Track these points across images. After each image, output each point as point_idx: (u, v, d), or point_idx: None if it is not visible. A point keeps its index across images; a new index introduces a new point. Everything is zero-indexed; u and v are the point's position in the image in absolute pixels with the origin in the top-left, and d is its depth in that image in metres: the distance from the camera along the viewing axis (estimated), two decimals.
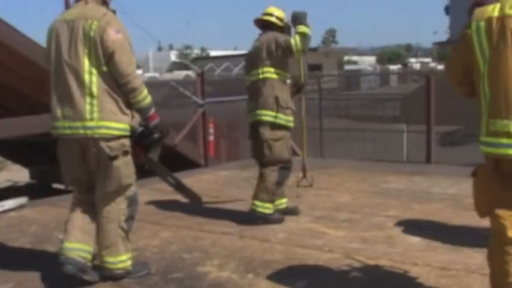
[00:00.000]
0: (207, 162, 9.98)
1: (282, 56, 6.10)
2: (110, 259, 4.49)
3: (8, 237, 5.87)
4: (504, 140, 3.31)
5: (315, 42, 71.95)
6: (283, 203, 6.45)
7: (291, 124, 6.21)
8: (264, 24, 6.33)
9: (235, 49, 73.29)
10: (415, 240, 5.41)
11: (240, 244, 5.41)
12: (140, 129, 4.52)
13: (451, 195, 7.22)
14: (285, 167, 6.22)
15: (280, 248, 5.27)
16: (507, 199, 3.36)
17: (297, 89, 6.70)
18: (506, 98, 3.29)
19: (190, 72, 38.25)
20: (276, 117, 6.05)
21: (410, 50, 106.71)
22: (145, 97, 4.44)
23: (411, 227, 5.82)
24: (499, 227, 3.37)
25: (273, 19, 6.28)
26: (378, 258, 4.90)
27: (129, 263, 4.57)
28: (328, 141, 12.94)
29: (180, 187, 5.58)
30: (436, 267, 4.63)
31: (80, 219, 4.53)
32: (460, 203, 6.77)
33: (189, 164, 9.75)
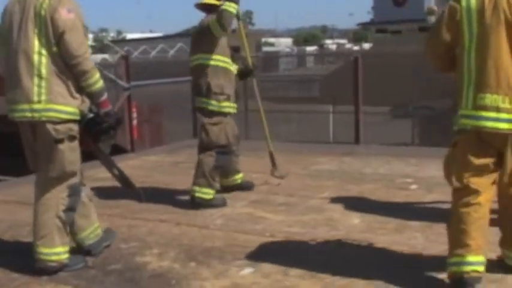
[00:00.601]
0: (133, 147, 9.69)
1: (210, 40, 5.94)
2: (44, 250, 4.28)
3: None
4: (493, 114, 3.51)
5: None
6: (238, 178, 6.48)
7: (228, 110, 6.12)
8: (205, 8, 6.14)
9: (150, 32, 72.35)
10: (356, 221, 5.36)
11: (177, 232, 5.22)
12: (90, 115, 4.34)
13: (384, 175, 7.24)
14: (223, 151, 6.14)
15: (220, 234, 5.11)
16: (483, 169, 3.64)
17: (247, 73, 6.66)
18: (497, 74, 3.49)
19: (106, 56, 37.41)
20: (208, 103, 6.00)
21: (326, 31, 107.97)
22: (96, 81, 4.28)
23: (349, 208, 5.78)
24: (470, 193, 3.66)
25: (211, 0, 6.07)
26: (322, 241, 4.82)
27: (65, 256, 4.35)
28: (253, 123, 12.86)
29: (124, 180, 5.33)
30: (380, 249, 4.58)
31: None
32: (393, 183, 6.82)
33: (114, 150, 9.43)
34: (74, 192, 4.38)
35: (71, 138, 4.24)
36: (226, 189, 6.47)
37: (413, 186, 6.63)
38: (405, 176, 7.21)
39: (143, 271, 4.33)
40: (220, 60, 6.04)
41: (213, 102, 5.99)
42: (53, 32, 4.10)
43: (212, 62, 5.98)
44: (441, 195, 6.13)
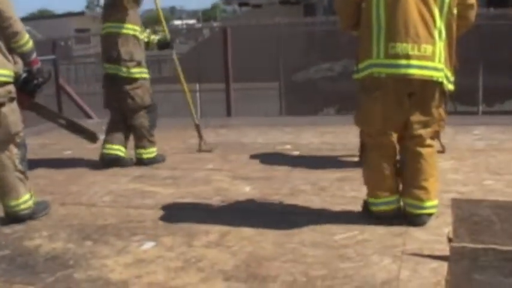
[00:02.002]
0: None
1: (121, 9, 6.13)
2: (13, 203, 4.55)
3: None
4: (403, 61, 3.74)
5: (79, 6, 69.57)
6: (153, 151, 6.58)
7: (139, 75, 6.28)
8: None
9: None
10: (247, 189, 5.28)
11: (64, 212, 4.89)
12: (24, 75, 4.59)
13: (263, 144, 7.23)
14: (151, 110, 6.45)
15: (111, 211, 4.85)
16: (397, 118, 3.92)
17: (165, 44, 6.83)
18: (405, 24, 3.73)
19: None
20: (119, 69, 6.19)
21: (174, 12, 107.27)
22: (27, 41, 4.49)
23: (237, 177, 5.70)
24: (388, 142, 3.98)
25: None
26: (218, 211, 4.71)
27: (32, 201, 4.65)
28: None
29: (73, 127, 5.64)
30: (281, 213, 4.54)
31: None
32: (274, 151, 6.81)
33: None
34: (22, 143, 4.56)
35: (11, 99, 4.35)
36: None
37: (296, 153, 6.66)
38: (284, 143, 7.24)
39: (36, 255, 4.00)
40: (130, 28, 6.19)
41: (123, 69, 6.17)
42: None
43: (123, 31, 6.15)
44: (325, 160, 6.24)
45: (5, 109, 4.29)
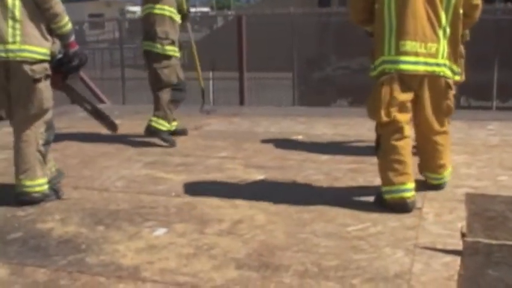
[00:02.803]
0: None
1: None
2: (28, 183, 4.62)
3: None
4: (412, 58, 4.13)
5: None
6: (173, 125, 6.96)
7: (171, 53, 6.66)
8: None
9: None
10: (260, 178, 5.28)
11: (76, 196, 4.90)
12: (60, 55, 4.74)
13: (276, 133, 7.22)
14: (177, 88, 6.74)
15: (124, 196, 4.86)
16: (405, 106, 4.23)
17: (182, 17, 6.96)
18: (414, 24, 4.09)
19: None
20: (153, 46, 6.60)
21: (188, 0, 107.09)
22: (66, 23, 4.64)
23: (250, 165, 5.69)
24: (398, 127, 4.23)
25: None
26: (232, 199, 4.68)
27: (46, 186, 4.72)
28: (131, 89, 12.58)
29: (97, 113, 5.81)
30: (294, 203, 4.51)
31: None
32: (287, 140, 6.80)
33: None
34: (50, 126, 4.74)
35: (47, 76, 4.59)
36: None
37: (308, 143, 6.64)
38: (297, 133, 7.23)
39: (48, 238, 4.01)
40: (167, 9, 6.64)
41: (158, 45, 6.57)
42: None
43: (160, 11, 6.60)
44: (339, 150, 6.23)
45: (40, 85, 4.54)
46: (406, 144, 4.26)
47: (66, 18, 4.64)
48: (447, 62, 4.23)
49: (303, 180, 5.12)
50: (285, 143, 6.64)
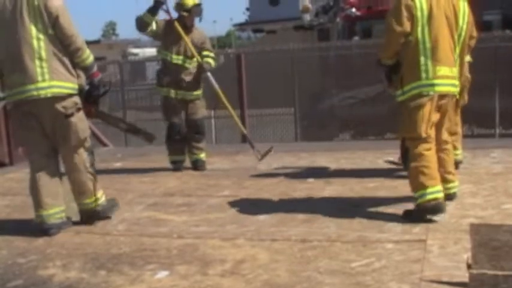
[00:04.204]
0: (12, 160, 9.07)
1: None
2: (87, 201, 5.12)
3: None
4: (445, 81, 4.78)
5: (95, 35, 69.97)
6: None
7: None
8: None
9: None
10: (262, 217, 5.21)
11: (78, 241, 4.86)
12: (87, 87, 5.07)
13: (278, 171, 7.17)
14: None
15: (125, 240, 4.81)
16: (434, 123, 4.84)
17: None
18: (445, 52, 4.74)
19: None
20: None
21: None
22: (88, 55, 4.96)
23: (252, 204, 5.65)
24: (428, 141, 4.81)
25: None
26: (234, 238, 4.64)
27: (103, 198, 5.25)
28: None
29: (133, 130, 6.35)
30: (297, 241, 4.47)
31: (47, 186, 4.96)
32: (289, 177, 6.75)
33: None
34: (91, 150, 5.19)
35: (78, 110, 4.93)
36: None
37: (311, 179, 6.59)
38: (300, 169, 7.19)
39: (50, 284, 3.97)
40: (166, 54, 7.42)
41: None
42: (48, 17, 4.71)
43: (160, 56, 7.75)
44: (340, 186, 6.17)
45: (73, 118, 4.90)
46: (433, 154, 4.82)
47: (88, 51, 4.95)
48: (458, 84, 4.96)
49: (306, 217, 5.07)
50: (287, 180, 6.61)
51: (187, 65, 7.37)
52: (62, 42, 4.81)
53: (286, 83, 11.73)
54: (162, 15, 7.28)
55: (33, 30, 4.71)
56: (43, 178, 4.96)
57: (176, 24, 7.25)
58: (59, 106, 4.80)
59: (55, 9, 4.75)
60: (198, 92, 7.53)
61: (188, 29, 7.35)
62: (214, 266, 4.09)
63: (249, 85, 9.99)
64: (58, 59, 4.80)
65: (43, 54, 4.73)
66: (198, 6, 7.32)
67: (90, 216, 5.18)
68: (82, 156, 5.05)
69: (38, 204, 4.95)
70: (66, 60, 4.85)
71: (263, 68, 11.70)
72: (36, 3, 4.72)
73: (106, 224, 5.26)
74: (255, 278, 3.84)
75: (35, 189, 4.97)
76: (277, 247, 4.37)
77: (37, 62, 4.73)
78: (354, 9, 12.95)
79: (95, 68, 5.09)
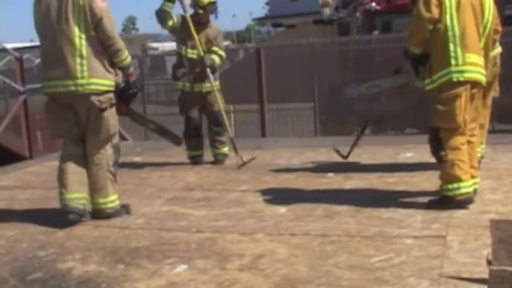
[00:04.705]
0: (31, 153, 9.14)
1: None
2: (101, 200, 5.18)
3: None
4: (475, 68, 4.85)
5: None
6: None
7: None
8: None
9: (31, 41, 69.63)
10: (281, 211, 5.21)
11: (97, 234, 4.89)
12: (122, 85, 5.27)
13: (298, 166, 7.16)
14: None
15: (144, 233, 4.83)
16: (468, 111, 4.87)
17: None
18: (473, 40, 4.83)
19: None
20: None
21: None
22: (127, 56, 5.21)
23: (271, 199, 5.63)
24: (464, 133, 4.87)
25: None
26: (253, 233, 4.64)
27: (117, 202, 5.28)
28: None
29: (161, 131, 6.46)
30: (316, 235, 4.46)
31: (74, 172, 5.12)
32: (308, 172, 6.73)
33: (12, 157, 8.89)
34: (117, 148, 5.31)
35: (111, 105, 5.15)
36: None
37: (330, 174, 6.57)
38: (320, 164, 7.17)
39: (68, 277, 3.99)
40: (181, 49, 7.47)
41: None
42: (91, 18, 4.91)
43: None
44: (360, 180, 6.14)
45: (106, 113, 5.10)
46: (467, 148, 4.89)
47: (126, 53, 5.18)
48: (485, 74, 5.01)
49: (325, 212, 5.06)
50: (306, 175, 6.59)
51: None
52: (102, 43, 5.01)
53: (305, 78, 11.69)
54: (177, 9, 7.34)
55: (76, 29, 4.91)
56: (72, 166, 5.12)
57: (188, 19, 7.29)
58: (94, 99, 5.01)
59: (99, 10, 4.94)
60: (214, 85, 7.49)
61: (203, 25, 7.42)
62: (233, 260, 4.09)
63: (269, 80, 9.96)
64: (97, 58, 5.00)
65: (84, 52, 4.93)
66: (213, 4, 7.39)
67: (99, 217, 5.20)
68: (107, 152, 5.18)
69: (62, 186, 5.09)
70: (105, 59, 5.05)
71: (283, 62, 11.65)
72: (81, 2, 4.90)
73: (125, 218, 5.28)
74: (273, 272, 3.83)
75: (62, 174, 5.12)
76: (296, 242, 4.36)
77: (78, 60, 4.93)
78: (373, 4, 12.84)
79: (132, 68, 5.33)
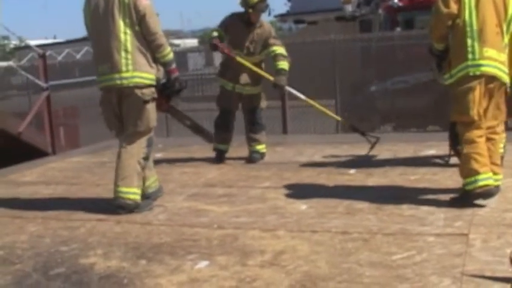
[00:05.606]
0: (54, 149, 9.22)
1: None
2: (124, 189, 5.25)
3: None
4: (493, 63, 4.83)
5: None
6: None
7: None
8: None
9: (54, 38, 70.11)
10: (303, 208, 5.21)
11: (119, 230, 4.92)
12: (163, 80, 5.44)
13: (319, 162, 7.14)
14: None
15: (166, 229, 4.85)
16: (486, 106, 4.87)
17: None
18: (491, 35, 4.82)
19: (11, 63, 36.07)
20: None
21: None
22: (169, 52, 5.40)
23: (293, 196, 5.63)
24: (481, 127, 4.85)
25: None
26: (274, 229, 4.64)
27: (139, 197, 5.33)
28: (175, 121, 12.61)
29: (196, 128, 6.64)
30: (337, 233, 4.45)
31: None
32: (330, 168, 6.72)
33: (35, 153, 8.97)
34: (151, 143, 5.46)
35: (153, 99, 5.34)
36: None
37: (352, 171, 6.55)
38: (341, 161, 7.15)
39: (91, 273, 4.02)
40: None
41: None
42: (136, 15, 5.18)
43: None
44: (382, 178, 6.12)
45: (148, 106, 5.30)
46: (484, 142, 4.87)
47: (168, 49, 5.39)
48: (507, 70, 4.95)
49: (347, 209, 5.05)
50: (328, 172, 6.57)
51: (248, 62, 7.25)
52: (146, 38, 5.23)
53: (327, 75, 11.63)
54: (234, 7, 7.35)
55: (122, 25, 5.18)
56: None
57: (239, 59, 7.18)
58: (138, 92, 5.23)
59: (143, 7, 5.19)
60: (257, 89, 7.43)
61: (252, 25, 7.23)
62: (254, 256, 4.10)
63: (290, 76, 9.91)
64: (141, 52, 5.23)
65: (129, 47, 5.19)
66: (263, 2, 7.13)
67: (119, 206, 5.28)
68: (141, 145, 5.33)
69: (115, 179, 5.32)
70: (148, 54, 5.27)
71: (304, 59, 11.60)
72: (126, 1, 5.18)
73: (147, 214, 5.31)
74: (294, 269, 3.83)
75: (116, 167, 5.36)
76: (317, 239, 4.35)
77: (123, 54, 5.18)
78: (396, 0, 12.75)
79: (174, 65, 5.47)
